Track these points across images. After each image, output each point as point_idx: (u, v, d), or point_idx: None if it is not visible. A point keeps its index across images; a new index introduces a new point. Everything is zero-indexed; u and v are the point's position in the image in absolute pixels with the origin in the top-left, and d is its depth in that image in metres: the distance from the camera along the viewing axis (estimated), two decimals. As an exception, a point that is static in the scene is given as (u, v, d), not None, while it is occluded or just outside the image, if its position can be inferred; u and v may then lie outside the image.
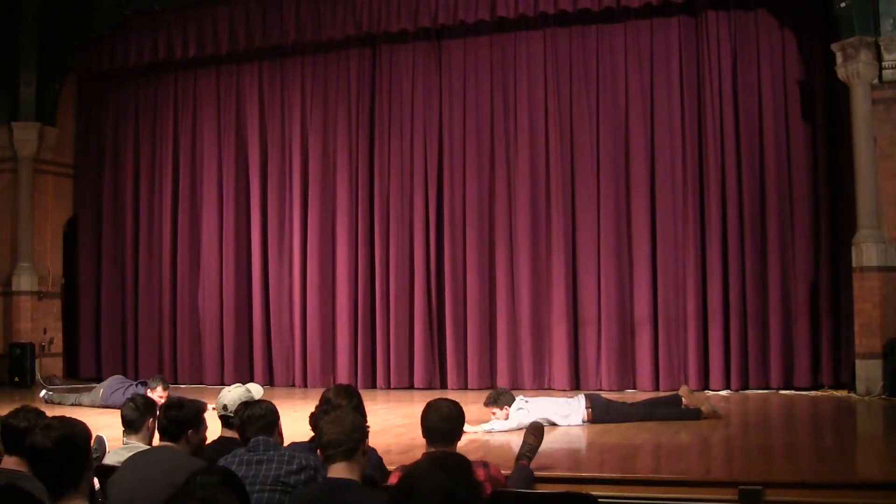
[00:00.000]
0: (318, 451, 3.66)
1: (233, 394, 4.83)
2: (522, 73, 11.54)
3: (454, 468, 2.36)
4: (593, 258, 11.10)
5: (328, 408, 4.40)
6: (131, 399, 4.75)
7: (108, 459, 4.52)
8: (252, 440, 4.01)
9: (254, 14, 12.36)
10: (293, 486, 3.73)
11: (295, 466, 3.81)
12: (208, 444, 4.61)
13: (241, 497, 2.60)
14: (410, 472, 2.35)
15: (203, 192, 13.00)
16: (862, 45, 9.65)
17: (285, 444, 4.74)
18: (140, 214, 13.39)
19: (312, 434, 4.41)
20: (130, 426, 4.58)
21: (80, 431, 3.13)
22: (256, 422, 4.13)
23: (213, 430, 4.42)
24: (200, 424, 4.28)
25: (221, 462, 3.86)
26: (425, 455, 2.37)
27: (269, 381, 12.30)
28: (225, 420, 4.77)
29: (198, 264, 12.96)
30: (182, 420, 4.18)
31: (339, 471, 3.44)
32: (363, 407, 4.65)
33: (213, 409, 5.17)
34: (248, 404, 4.33)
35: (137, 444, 4.48)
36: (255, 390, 6.19)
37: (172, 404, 4.29)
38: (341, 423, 3.51)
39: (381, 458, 4.65)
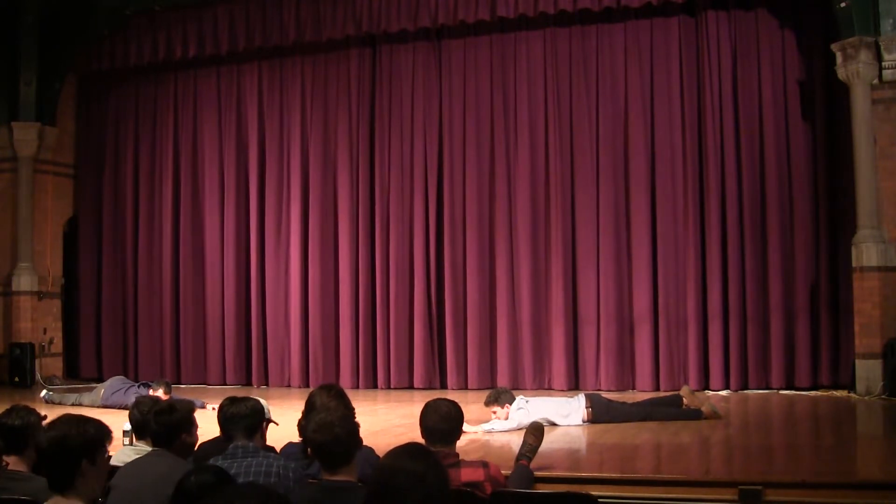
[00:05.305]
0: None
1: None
2: (522, 73, 11.54)
3: (420, 455, 2.46)
4: (593, 258, 11.10)
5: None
6: (136, 405, 4.75)
7: (114, 460, 4.51)
8: (231, 446, 3.92)
9: (254, 14, 12.37)
10: None
11: (272, 480, 3.68)
12: (207, 441, 4.58)
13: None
14: (383, 468, 2.42)
15: (203, 192, 13.00)
16: (862, 45, 9.64)
17: (284, 443, 4.73)
18: (140, 214, 13.38)
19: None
20: (140, 431, 4.58)
21: (76, 433, 3.08)
22: (239, 421, 4.01)
23: (213, 429, 4.39)
24: (192, 426, 4.14)
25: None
26: (388, 452, 2.48)
27: (268, 381, 12.32)
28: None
29: (198, 264, 12.94)
30: (174, 424, 4.03)
31: (337, 473, 3.44)
32: (350, 404, 4.59)
33: (213, 409, 5.14)
34: (234, 400, 4.13)
35: (144, 448, 4.46)
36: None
37: (163, 409, 4.12)
38: (331, 430, 3.44)
39: (379, 459, 4.62)
